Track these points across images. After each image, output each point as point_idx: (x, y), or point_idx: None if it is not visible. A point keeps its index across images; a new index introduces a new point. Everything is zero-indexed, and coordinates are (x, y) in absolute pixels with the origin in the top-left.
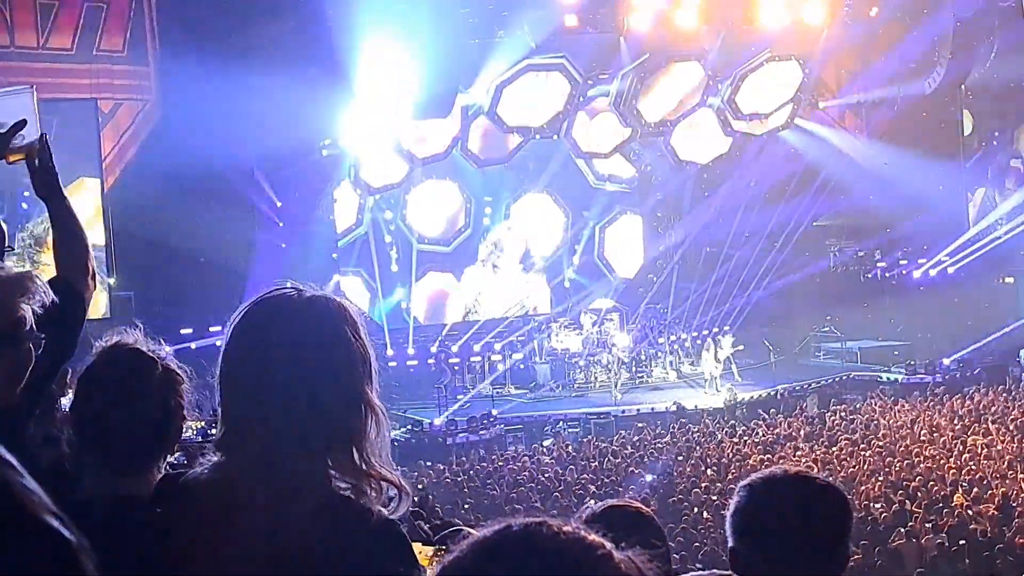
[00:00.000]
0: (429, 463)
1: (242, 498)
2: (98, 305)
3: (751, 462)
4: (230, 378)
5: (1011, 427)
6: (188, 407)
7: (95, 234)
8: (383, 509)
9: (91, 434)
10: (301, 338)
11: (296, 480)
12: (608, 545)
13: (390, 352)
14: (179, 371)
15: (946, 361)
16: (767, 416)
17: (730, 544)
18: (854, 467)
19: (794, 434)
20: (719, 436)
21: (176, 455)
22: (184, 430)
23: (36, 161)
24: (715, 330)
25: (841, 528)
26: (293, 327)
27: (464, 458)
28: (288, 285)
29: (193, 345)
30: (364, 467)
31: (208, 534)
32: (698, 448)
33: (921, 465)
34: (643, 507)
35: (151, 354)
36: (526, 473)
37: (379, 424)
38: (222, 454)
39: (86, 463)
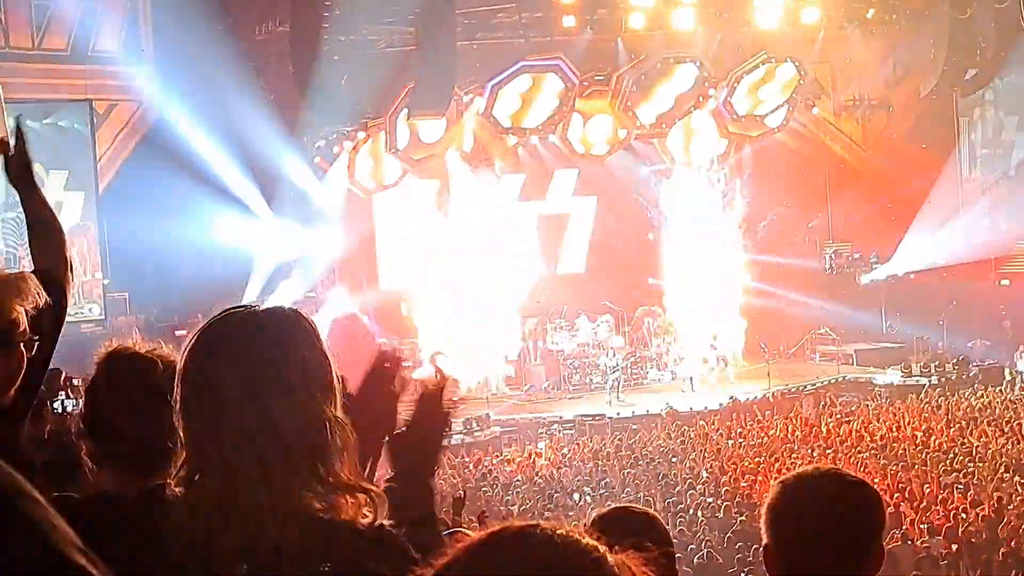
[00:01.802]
0: None
1: (212, 537)
2: (93, 305)
3: (746, 464)
4: (185, 405)
5: (1006, 429)
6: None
7: (92, 234)
8: (365, 519)
9: (109, 443)
10: (253, 359)
11: (262, 511)
12: (602, 548)
13: None
14: None
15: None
16: (762, 418)
17: (764, 542)
18: (849, 469)
19: (789, 436)
20: (714, 438)
21: None
22: None
23: (10, 150)
24: (712, 333)
25: (873, 524)
26: (242, 348)
27: (458, 459)
28: (241, 304)
29: None
30: (332, 481)
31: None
32: (693, 450)
33: (916, 467)
34: (649, 511)
35: (150, 355)
36: (520, 475)
37: (343, 435)
38: (185, 489)
39: (106, 467)
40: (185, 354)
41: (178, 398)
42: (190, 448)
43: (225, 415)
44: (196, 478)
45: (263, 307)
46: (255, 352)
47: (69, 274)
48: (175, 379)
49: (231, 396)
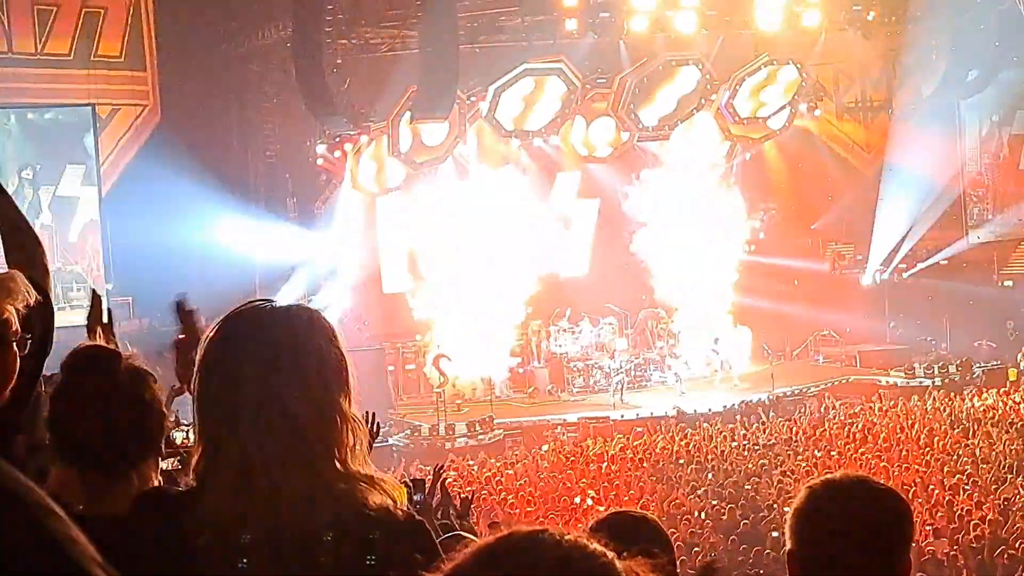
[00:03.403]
0: (427, 467)
1: (230, 527)
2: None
3: (750, 466)
4: (204, 393)
5: (1010, 430)
6: (166, 403)
7: (94, 239)
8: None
9: (69, 442)
10: (272, 349)
11: (280, 495)
12: (610, 554)
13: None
14: (148, 368)
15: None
16: (766, 420)
17: (788, 547)
18: (854, 471)
19: (793, 438)
20: (718, 440)
21: (171, 460)
22: (167, 428)
23: None
24: (712, 335)
25: (901, 534)
26: (264, 338)
27: (463, 462)
28: (261, 298)
29: None
30: (349, 471)
31: (205, 566)
32: (697, 452)
33: (920, 469)
34: (648, 515)
35: (112, 352)
36: (525, 478)
37: (355, 433)
38: (201, 479)
39: (71, 473)
40: (205, 343)
41: (196, 386)
42: (205, 436)
43: (242, 401)
44: (212, 467)
45: (281, 303)
46: (274, 341)
47: (49, 280)
48: (144, 379)
49: (249, 383)
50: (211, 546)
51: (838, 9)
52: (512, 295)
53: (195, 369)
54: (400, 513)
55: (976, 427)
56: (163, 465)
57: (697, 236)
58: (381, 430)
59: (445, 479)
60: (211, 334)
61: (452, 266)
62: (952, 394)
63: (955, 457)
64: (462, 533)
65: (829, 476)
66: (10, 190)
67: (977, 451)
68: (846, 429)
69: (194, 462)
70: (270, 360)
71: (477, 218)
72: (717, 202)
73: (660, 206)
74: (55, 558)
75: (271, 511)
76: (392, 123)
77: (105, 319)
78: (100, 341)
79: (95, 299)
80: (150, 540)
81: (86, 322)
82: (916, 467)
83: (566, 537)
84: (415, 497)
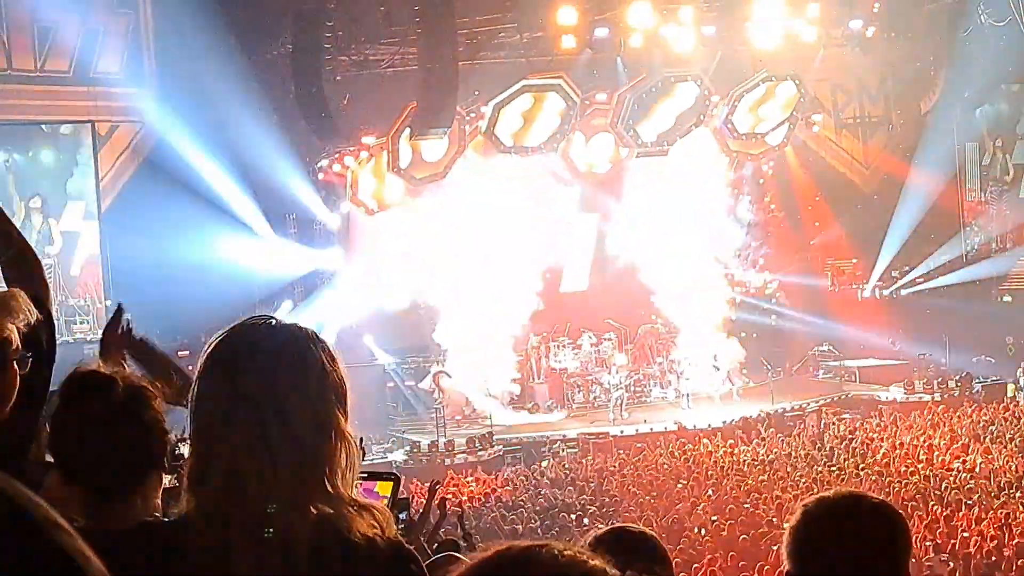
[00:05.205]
0: (425, 484)
1: (220, 537)
2: (95, 326)
3: (750, 482)
4: (201, 403)
5: (1010, 446)
6: (167, 419)
7: (95, 272)
8: (374, 531)
9: (74, 465)
10: (275, 358)
11: (269, 505)
12: (610, 570)
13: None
14: (148, 386)
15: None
16: (766, 436)
17: (786, 568)
18: (853, 487)
19: (793, 453)
20: (718, 456)
21: (169, 477)
22: (169, 444)
23: None
24: (712, 351)
25: (896, 546)
26: (265, 351)
27: (462, 478)
28: (262, 315)
29: None
30: (340, 493)
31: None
32: (696, 468)
33: (920, 484)
34: (648, 531)
35: (110, 374)
36: (524, 494)
37: (349, 455)
38: (192, 492)
39: (72, 487)
40: (204, 354)
41: (194, 390)
42: (198, 439)
43: (239, 405)
44: (203, 471)
45: (283, 321)
46: (277, 351)
47: (49, 295)
48: (145, 396)
49: (248, 387)
50: (198, 551)
51: (836, 25)
52: (512, 310)
53: (194, 380)
54: (384, 542)
55: (975, 443)
56: (164, 482)
57: (695, 251)
58: (381, 447)
59: (444, 498)
60: (211, 345)
61: (452, 281)
62: (951, 410)
63: (954, 473)
64: (454, 553)
65: (822, 494)
66: (18, 220)
67: (977, 467)
68: (845, 444)
69: (187, 470)
70: (272, 368)
71: (477, 234)
72: (715, 218)
73: (658, 221)
74: (66, 571)
75: (259, 516)
76: (392, 139)
77: (120, 331)
78: (96, 364)
79: (118, 311)
80: (146, 553)
81: (103, 333)
82: (915, 483)
83: (565, 552)
84: (400, 515)
